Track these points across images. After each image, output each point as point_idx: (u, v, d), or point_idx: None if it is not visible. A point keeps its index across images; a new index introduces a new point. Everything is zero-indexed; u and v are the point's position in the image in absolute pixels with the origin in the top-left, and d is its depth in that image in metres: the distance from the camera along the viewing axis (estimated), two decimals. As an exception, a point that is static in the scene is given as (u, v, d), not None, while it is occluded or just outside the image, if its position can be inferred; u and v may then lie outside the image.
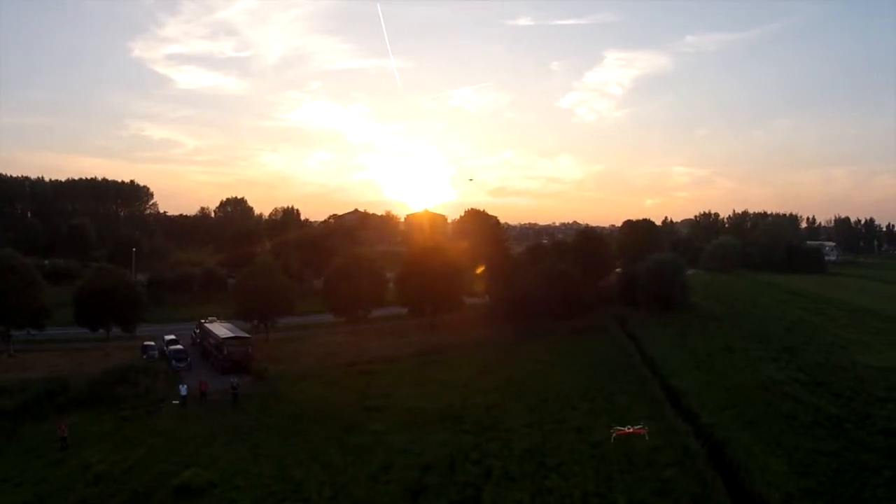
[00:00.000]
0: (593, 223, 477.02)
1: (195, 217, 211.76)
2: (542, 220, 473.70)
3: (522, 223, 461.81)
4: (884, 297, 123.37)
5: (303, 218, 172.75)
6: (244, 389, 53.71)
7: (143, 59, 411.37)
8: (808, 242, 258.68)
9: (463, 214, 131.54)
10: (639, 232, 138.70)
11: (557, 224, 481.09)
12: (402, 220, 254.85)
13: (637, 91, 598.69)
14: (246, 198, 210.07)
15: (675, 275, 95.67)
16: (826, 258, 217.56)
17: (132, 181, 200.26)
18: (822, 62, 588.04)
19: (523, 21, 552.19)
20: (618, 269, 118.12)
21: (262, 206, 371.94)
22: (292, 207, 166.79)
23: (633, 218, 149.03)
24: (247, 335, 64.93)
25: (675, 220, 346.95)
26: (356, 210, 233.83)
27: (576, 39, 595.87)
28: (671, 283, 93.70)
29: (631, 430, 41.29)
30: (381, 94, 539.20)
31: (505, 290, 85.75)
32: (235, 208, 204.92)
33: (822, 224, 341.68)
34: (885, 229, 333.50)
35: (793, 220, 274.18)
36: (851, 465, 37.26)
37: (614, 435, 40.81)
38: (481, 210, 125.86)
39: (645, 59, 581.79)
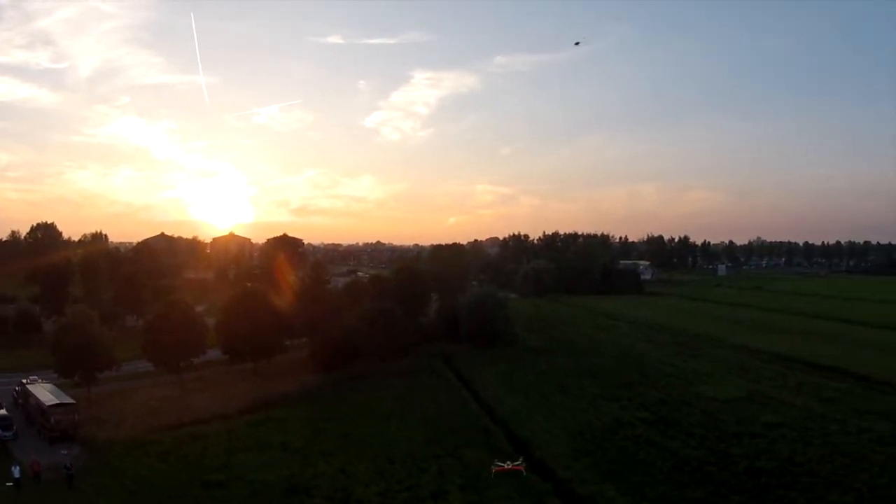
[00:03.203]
0: (397, 242, 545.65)
1: (7, 242, 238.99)
2: (346, 240, 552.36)
3: (326, 243, 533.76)
4: (708, 319, 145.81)
5: (111, 241, 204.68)
6: (76, 462, 55.69)
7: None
8: (623, 262, 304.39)
9: (267, 241, 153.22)
10: (450, 259, 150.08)
11: (361, 244, 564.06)
12: (209, 242, 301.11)
13: (443, 110, 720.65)
14: (55, 220, 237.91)
15: (497, 309, 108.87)
16: (641, 277, 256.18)
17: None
18: (629, 82, 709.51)
19: (333, 39, 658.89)
20: (434, 298, 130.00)
21: (71, 227, 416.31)
22: (100, 232, 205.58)
23: (437, 236, 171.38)
24: (72, 401, 69.15)
25: (481, 239, 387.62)
26: (163, 234, 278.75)
27: (384, 59, 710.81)
28: (494, 318, 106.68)
29: (510, 466, 47.27)
30: (189, 110, 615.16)
31: (326, 332, 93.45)
32: (45, 234, 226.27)
33: (635, 241, 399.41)
34: (699, 245, 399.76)
35: (605, 239, 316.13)
36: (722, 512, 43.45)
37: (494, 471, 46.55)
38: (285, 234, 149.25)
39: (453, 78, 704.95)
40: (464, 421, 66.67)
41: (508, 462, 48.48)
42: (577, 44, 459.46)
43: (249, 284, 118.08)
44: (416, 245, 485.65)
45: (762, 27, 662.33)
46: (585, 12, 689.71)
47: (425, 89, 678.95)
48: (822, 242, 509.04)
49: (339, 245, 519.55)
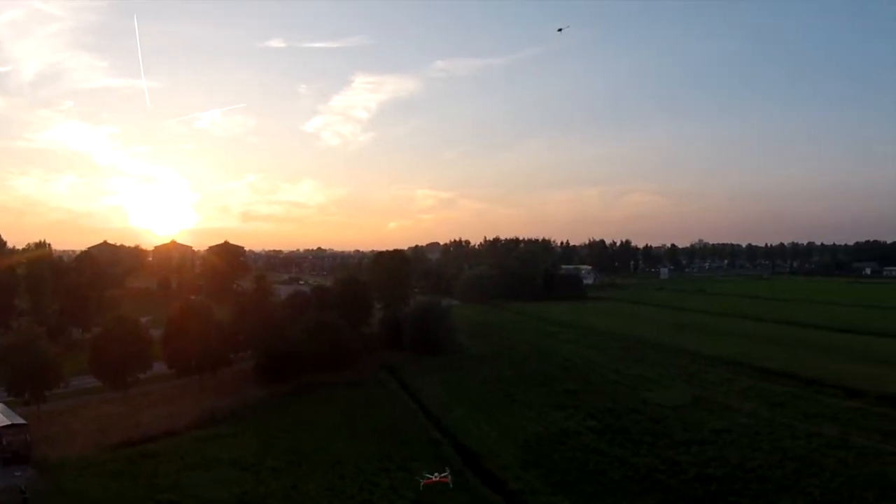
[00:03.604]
0: (338, 248, 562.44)
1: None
2: (287, 246, 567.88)
3: (267, 250, 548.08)
4: (651, 324, 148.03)
5: (54, 250, 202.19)
6: (29, 485, 55.40)
7: None
8: (565, 266, 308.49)
9: (209, 248, 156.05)
10: (392, 267, 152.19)
11: (302, 251, 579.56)
12: (151, 250, 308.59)
13: (384, 115, 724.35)
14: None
15: (440, 318, 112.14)
16: (584, 282, 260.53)
17: None
18: (572, 86, 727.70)
19: (275, 43, 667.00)
20: (378, 306, 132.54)
21: (13, 235, 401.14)
22: (44, 241, 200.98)
23: (378, 241, 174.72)
24: (24, 422, 69.19)
25: (422, 245, 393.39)
26: (105, 242, 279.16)
27: (325, 63, 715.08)
28: (437, 327, 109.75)
29: (437, 477, 49.12)
30: (132, 115, 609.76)
31: (271, 345, 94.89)
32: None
33: (577, 245, 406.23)
34: (641, 249, 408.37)
35: (547, 244, 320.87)
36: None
37: (423, 483, 48.24)
38: (227, 242, 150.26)
39: (394, 83, 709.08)
40: (412, 432, 67.24)
41: (436, 474, 50.15)
42: (560, 30, 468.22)
43: (194, 297, 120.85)
44: (357, 251, 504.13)
45: (707, 32, 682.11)
46: (528, 17, 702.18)
47: (366, 94, 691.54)
48: (766, 244, 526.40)
49: (281, 252, 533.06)
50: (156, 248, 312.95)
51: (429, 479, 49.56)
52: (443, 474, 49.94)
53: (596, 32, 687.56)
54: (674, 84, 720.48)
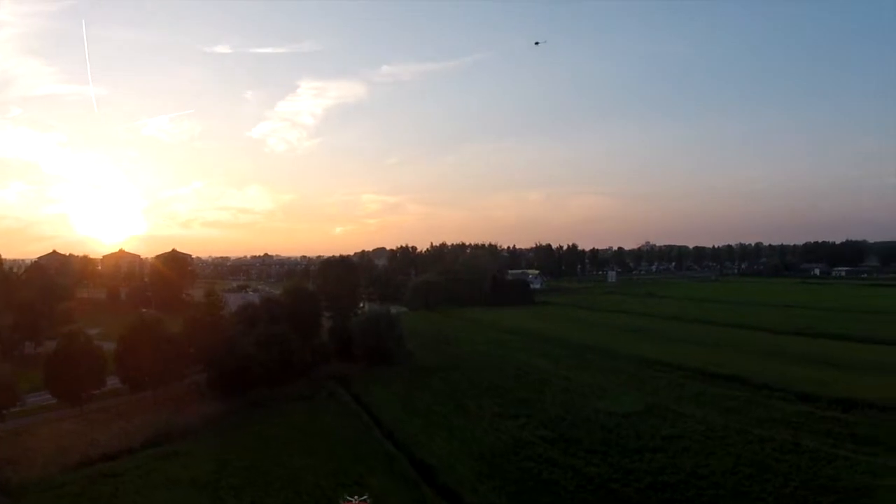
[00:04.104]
0: (284, 254, 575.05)
1: None
2: (235, 253, 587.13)
3: (214, 256, 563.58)
4: (601, 329, 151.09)
5: (3, 259, 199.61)
6: None
7: None
8: (512, 271, 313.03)
9: (156, 257, 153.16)
10: (340, 274, 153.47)
11: (249, 257, 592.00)
12: (100, 259, 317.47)
13: (330, 120, 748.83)
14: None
15: (389, 328, 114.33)
16: (531, 286, 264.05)
17: None
18: (517, 89, 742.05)
19: (221, 48, 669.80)
20: (327, 315, 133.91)
21: None
22: None
23: (324, 247, 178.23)
24: None
25: (368, 250, 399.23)
26: (55, 252, 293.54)
27: (271, 68, 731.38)
28: (386, 337, 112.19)
29: (356, 501, 50.30)
30: (79, 122, 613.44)
31: (222, 359, 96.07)
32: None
33: (524, 249, 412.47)
34: (588, 251, 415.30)
35: (493, 249, 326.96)
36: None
37: None
38: (174, 250, 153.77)
39: (339, 88, 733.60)
40: (366, 447, 68.28)
41: (356, 497, 51.30)
42: (537, 43, 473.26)
43: (144, 310, 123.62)
44: (304, 257, 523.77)
45: (652, 35, 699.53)
46: (473, 21, 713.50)
47: (312, 99, 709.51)
48: (713, 245, 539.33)
49: (228, 258, 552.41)
50: (104, 256, 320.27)
51: (349, 501, 50.82)
52: (362, 497, 51.08)
53: (538, 36, 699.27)
54: (619, 86, 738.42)
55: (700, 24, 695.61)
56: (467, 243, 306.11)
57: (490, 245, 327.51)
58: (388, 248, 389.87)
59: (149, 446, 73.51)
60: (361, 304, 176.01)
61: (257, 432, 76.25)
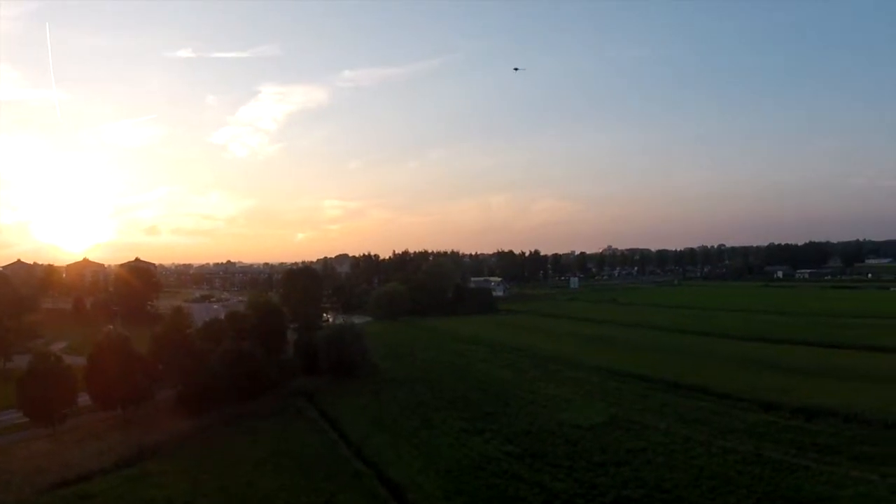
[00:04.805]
0: (247, 261, 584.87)
1: None
2: (197, 260, 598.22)
3: (178, 264, 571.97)
4: (564, 338, 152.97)
5: None
6: None
7: None
8: (475, 279, 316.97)
9: (120, 266, 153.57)
10: (304, 285, 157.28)
11: (212, 265, 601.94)
12: (64, 268, 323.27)
13: (291, 126, 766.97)
14: None
15: (354, 341, 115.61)
16: (494, 294, 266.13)
17: None
18: (480, 94, 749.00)
19: (184, 53, 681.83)
20: (292, 327, 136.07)
21: None
22: None
23: (287, 254, 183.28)
24: None
25: (330, 256, 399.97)
26: (19, 261, 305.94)
27: (233, 73, 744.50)
28: (353, 350, 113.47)
29: None
30: (42, 127, 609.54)
31: (190, 377, 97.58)
32: None
33: (487, 254, 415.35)
34: (550, 257, 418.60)
35: (456, 256, 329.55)
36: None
37: None
38: (138, 259, 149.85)
39: (301, 93, 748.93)
40: (335, 464, 68.88)
41: None
42: (516, 69, 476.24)
43: (111, 327, 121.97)
44: (267, 264, 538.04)
45: (613, 40, 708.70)
46: (435, 26, 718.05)
47: (273, 104, 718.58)
48: (676, 248, 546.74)
49: (191, 265, 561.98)
50: (69, 266, 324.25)
51: None
52: None
53: (500, 42, 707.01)
54: (580, 89, 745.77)
55: (658, 27, 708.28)
56: (430, 251, 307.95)
57: (453, 252, 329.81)
58: (350, 254, 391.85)
59: (122, 466, 73.99)
60: (325, 316, 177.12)
61: (228, 451, 76.63)
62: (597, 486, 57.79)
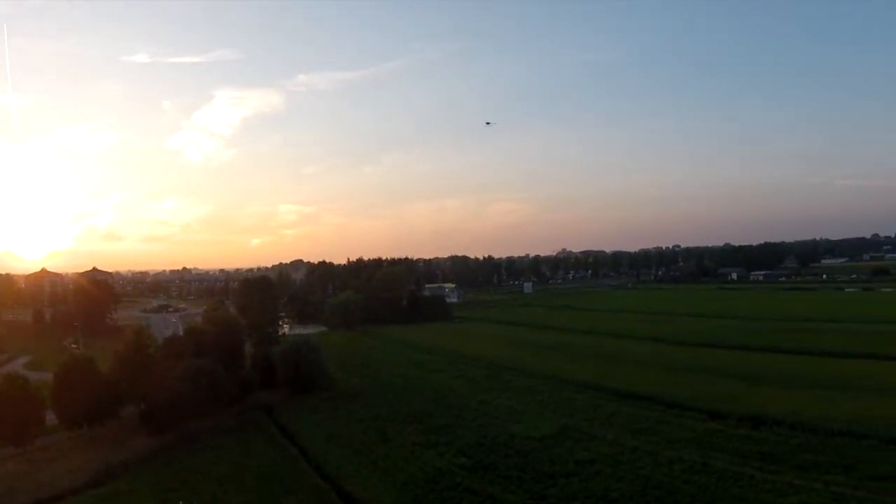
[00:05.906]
0: (202, 267, 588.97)
1: None
2: (153, 266, 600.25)
3: (134, 271, 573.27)
4: (517, 347, 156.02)
5: None
6: None
7: None
8: (429, 285, 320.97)
9: (78, 276, 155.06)
10: (260, 295, 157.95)
11: (168, 271, 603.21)
12: (23, 278, 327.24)
13: (246, 130, 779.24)
14: None
15: (310, 355, 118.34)
16: (448, 300, 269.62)
17: None
18: (434, 98, 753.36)
19: (139, 58, 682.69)
20: (249, 340, 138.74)
21: None
22: None
23: (242, 259, 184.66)
24: None
25: (286, 262, 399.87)
26: None
27: (188, 78, 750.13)
28: (308, 365, 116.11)
29: None
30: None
31: (153, 396, 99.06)
32: None
33: (441, 259, 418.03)
34: (504, 260, 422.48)
35: (409, 264, 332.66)
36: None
37: None
38: (95, 268, 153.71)
39: (256, 97, 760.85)
40: (295, 480, 70.84)
41: None
42: (488, 123, 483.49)
43: (74, 346, 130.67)
44: (222, 271, 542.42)
45: (573, 43, 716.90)
46: (391, 30, 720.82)
47: (228, 108, 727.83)
48: (631, 250, 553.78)
49: (147, 273, 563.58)
50: (27, 276, 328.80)
51: None
52: None
53: (457, 45, 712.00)
54: (535, 92, 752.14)
55: (616, 30, 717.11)
56: (384, 258, 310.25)
57: (406, 259, 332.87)
58: (305, 259, 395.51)
59: (93, 485, 75.46)
60: (281, 324, 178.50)
61: (191, 467, 78.57)
62: (546, 498, 60.13)
